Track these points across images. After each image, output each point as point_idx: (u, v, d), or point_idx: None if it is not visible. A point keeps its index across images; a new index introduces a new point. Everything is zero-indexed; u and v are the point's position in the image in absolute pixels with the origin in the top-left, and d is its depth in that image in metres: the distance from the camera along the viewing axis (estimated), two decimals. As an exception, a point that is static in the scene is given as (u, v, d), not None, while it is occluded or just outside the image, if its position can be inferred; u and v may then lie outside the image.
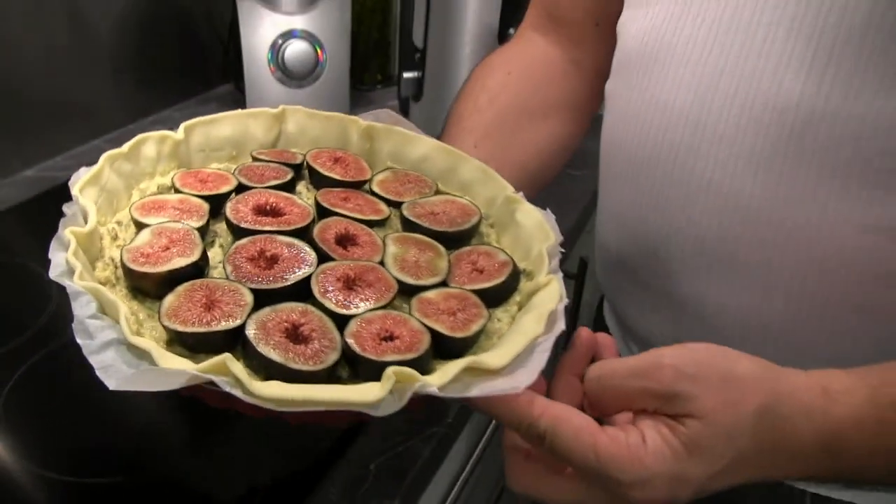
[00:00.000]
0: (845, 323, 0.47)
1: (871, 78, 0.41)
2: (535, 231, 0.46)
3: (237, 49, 1.13)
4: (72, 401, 0.62)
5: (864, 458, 0.38)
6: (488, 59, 0.69)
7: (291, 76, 1.12)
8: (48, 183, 0.95)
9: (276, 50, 1.11)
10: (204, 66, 1.26)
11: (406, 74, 1.16)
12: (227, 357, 0.33)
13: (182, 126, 0.52)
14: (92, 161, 0.47)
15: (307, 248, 0.43)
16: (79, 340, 0.36)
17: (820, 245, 0.45)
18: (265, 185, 0.49)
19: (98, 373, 0.34)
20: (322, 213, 0.47)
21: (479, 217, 0.48)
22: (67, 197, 0.45)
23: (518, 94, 0.64)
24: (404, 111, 1.16)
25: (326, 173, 0.51)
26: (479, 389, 0.34)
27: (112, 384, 0.34)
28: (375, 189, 0.51)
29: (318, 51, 1.13)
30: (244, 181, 0.49)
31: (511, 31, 1.07)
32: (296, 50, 1.11)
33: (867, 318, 0.47)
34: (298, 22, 1.11)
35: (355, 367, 0.37)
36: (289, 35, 1.11)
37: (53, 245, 0.41)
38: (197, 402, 0.37)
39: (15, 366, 0.64)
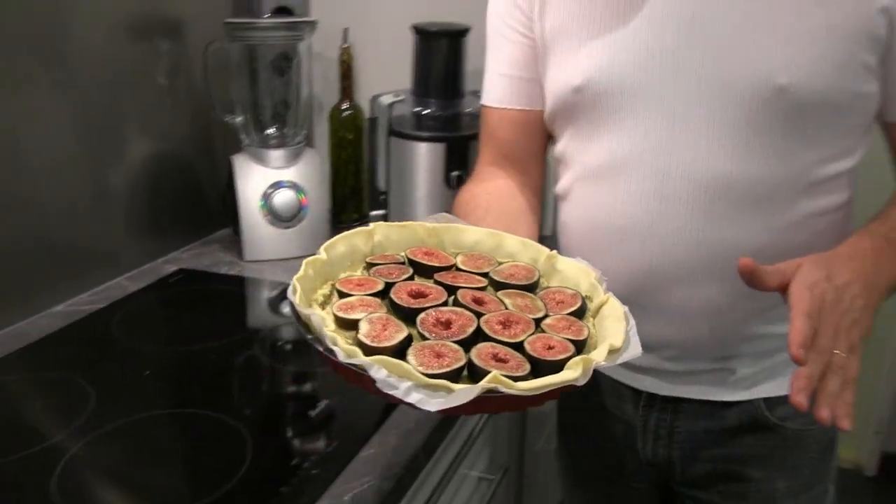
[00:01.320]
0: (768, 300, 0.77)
1: (760, 152, 0.78)
2: (576, 273, 0.75)
3: (233, 198, 1.33)
4: (124, 460, 0.87)
5: None
6: (467, 188, 0.98)
7: (280, 219, 1.35)
8: (76, 316, 1.10)
9: (266, 198, 1.34)
10: (206, 214, 1.45)
11: (373, 213, 1.43)
12: (496, 374, 0.59)
13: (322, 248, 0.74)
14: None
15: (464, 311, 0.68)
16: (388, 391, 0.58)
17: (736, 251, 0.78)
18: (400, 279, 0.73)
19: (417, 405, 0.57)
20: (446, 289, 0.73)
21: (538, 272, 0.77)
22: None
23: (499, 205, 0.92)
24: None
25: (427, 263, 0.76)
26: (620, 359, 0.63)
27: (432, 408, 0.56)
28: (463, 268, 0.77)
29: (302, 197, 1.37)
30: (384, 279, 0.73)
31: (453, 173, 1.38)
32: (283, 198, 1.34)
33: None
34: (285, 174, 1.36)
35: (536, 368, 0.64)
36: (277, 185, 1.35)
37: (327, 343, 0.62)
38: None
39: (67, 449, 0.86)
